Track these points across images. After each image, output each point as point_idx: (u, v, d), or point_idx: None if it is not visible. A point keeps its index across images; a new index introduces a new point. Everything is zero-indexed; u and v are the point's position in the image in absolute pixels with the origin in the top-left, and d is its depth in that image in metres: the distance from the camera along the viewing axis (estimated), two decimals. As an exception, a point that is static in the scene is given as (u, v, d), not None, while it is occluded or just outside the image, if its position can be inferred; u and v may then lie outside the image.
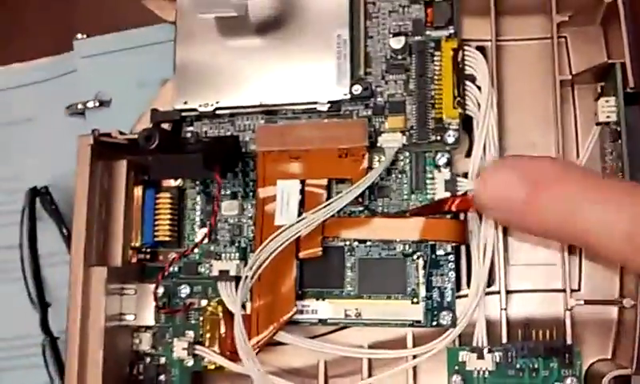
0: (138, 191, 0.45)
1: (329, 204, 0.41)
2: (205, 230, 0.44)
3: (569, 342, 0.39)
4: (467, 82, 0.42)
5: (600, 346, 0.40)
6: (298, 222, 0.41)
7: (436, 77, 0.42)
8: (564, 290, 0.40)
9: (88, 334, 0.42)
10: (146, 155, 0.43)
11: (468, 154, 0.43)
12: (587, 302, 0.39)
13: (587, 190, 0.31)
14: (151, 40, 0.52)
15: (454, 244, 0.41)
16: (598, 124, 0.39)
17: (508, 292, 0.41)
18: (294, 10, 0.44)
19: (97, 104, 0.52)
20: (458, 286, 0.41)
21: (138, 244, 0.45)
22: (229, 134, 0.46)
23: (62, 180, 0.55)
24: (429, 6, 0.43)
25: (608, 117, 0.37)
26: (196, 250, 0.45)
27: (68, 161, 0.53)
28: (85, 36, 0.54)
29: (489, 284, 0.41)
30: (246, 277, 0.40)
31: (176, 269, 0.45)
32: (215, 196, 0.44)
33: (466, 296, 0.41)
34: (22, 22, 0.59)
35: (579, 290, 0.41)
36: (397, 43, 0.43)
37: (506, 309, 0.40)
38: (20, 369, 0.55)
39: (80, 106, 0.53)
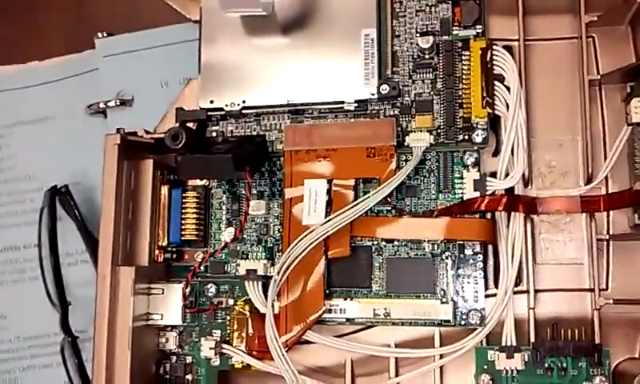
0: (164, 190, 0.45)
1: (357, 204, 0.41)
2: (232, 230, 0.45)
3: (597, 341, 0.39)
4: (496, 82, 0.42)
5: (627, 345, 0.41)
6: (326, 222, 0.41)
7: (464, 76, 0.42)
8: (592, 290, 0.40)
9: (115, 334, 0.42)
10: (173, 154, 0.43)
11: (495, 154, 0.43)
12: (616, 302, 0.39)
13: None
14: (174, 39, 0.52)
15: (482, 243, 0.41)
16: (629, 124, 0.39)
17: (536, 291, 0.41)
18: (321, 9, 0.44)
19: (118, 103, 0.52)
20: (485, 285, 0.41)
21: (164, 243, 0.45)
22: (254, 133, 0.46)
23: (82, 179, 0.55)
24: (456, 5, 0.43)
25: (641, 117, 0.37)
26: (223, 250, 0.45)
27: (88, 160, 0.53)
28: (105, 34, 0.53)
29: (517, 283, 0.41)
30: (275, 280, 0.40)
31: (202, 268, 0.45)
32: (245, 196, 0.44)
33: (494, 295, 0.41)
34: (41, 21, 0.59)
35: (607, 289, 0.41)
36: (425, 42, 0.43)
37: (534, 308, 0.41)
38: (38, 368, 0.55)
39: (102, 106, 0.53)
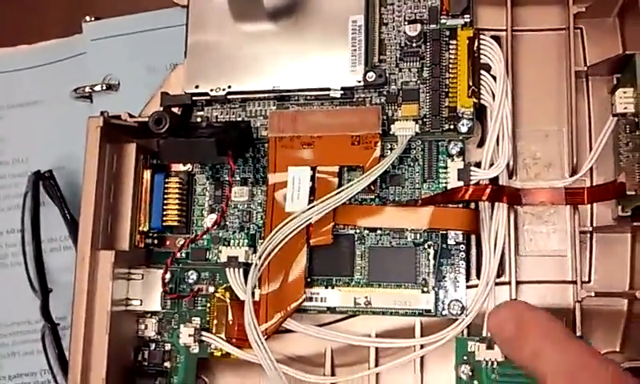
0: (147, 175, 0.45)
1: (340, 191, 0.41)
2: (214, 216, 0.44)
3: (579, 333, 0.39)
4: (482, 72, 0.41)
5: (609, 338, 0.40)
6: (308, 209, 0.41)
7: (451, 65, 0.42)
8: (574, 282, 0.40)
9: (94, 319, 0.42)
10: (156, 138, 0.43)
11: (481, 144, 0.42)
12: (598, 294, 0.39)
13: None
14: (162, 24, 0.51)
15: (465, 233, 0.41)
16: (614, 115, 0.38)
17: (518, 283, 0.41)
18: (308, -5, 0.44)
19: (104, 88, 0.52)
20: (467, 275, 0.41)
21: (145, 229, 0.45)
22: (240, 119, 0.45)
23: (67, 163, 0.54)
24: (444, -6, 0.43)
25: (625, 108, 0.37)
26: (204, 236, 0.44)
27: (73, 144, 0.53)
28: (92, 18, 0.53)
29: (499, 274, 0.41)
30: (256, 265, 0.40)
31: (183, 254, 0.44)
32: (227, 181, 0.43)
33: (475, 286, 0.41)
34: (32, 4, 0.58)
35: (589, 281, 0.41)
36: (412, 31, 0.42)
37: (516, 299, 0.40)
38: (19, 355, 0.55)
39: (87, 90, 0.52)
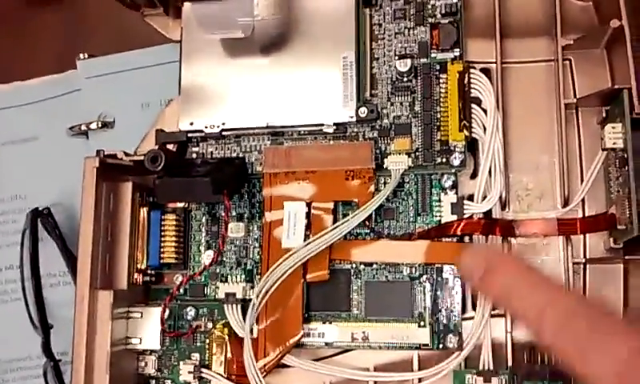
0: (143, 213, 0.45)
1: (336, 227, 0.41)
2: (211, 253, 0.45)
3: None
4: (473, 105, 0.42)
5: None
6: (305, 245, 0.41)
7: (442, 99, 0.42)
8: (570, 313, 0.40)
9: (94, 358, 0.42)
10: (153, 175, 0.43)
11: (473, 176, 0.43)
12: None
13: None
14: (155, 61, 0.52)
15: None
16: (604, 149, 0.39)
17: (514, 314, 0.41)
18: (300, 32, 0.45)
19: (100, 125, 0.52)
20: (463, 308, 0.41)
21: (143, 266, 0.45)
22: (235, 154, 0.46)
23: (65, 199, 0.55)
24: (434, 28, 0.43)
25: (614, 143, 0.37)
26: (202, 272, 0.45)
27: (71, 180, 0.53)
28: (86, 55, 0.53)
29: (494, 306, 0.41)
30: (254, 304, 0.40)
31: (181, 291, 0.45)
32: (223, 219, 0.44)
33: (471, 318, 0.41)
34: (26, 40, 0.59)
35: (585, 312, 0.41)
36: (403, 66, 0.43)
37: (511, 332, 0.41)
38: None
39: (83, 127, 0.53)
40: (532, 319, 0.30)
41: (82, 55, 0.53)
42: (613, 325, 0.28)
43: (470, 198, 0.42)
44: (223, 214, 0.44)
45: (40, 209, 0.52)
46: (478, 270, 0.34)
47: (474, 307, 0.42)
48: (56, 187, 0.55)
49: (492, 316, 0.41)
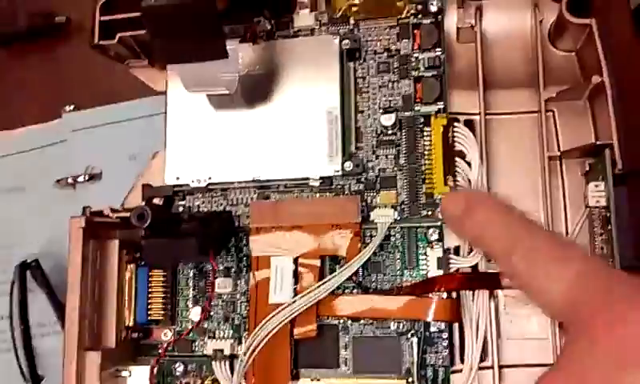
0: (130, 270, 0.45)
1: (323, 283, 0.41)
2: (199, 309, 0.44)
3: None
4: (457, 159, 0.42)
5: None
6: (292, 302, 0.41)
7: (426, 152, 0.43)
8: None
9: (84, 420, 0.42)
10: (140, 230, 0.43)
11: (460, 228, 0.43)
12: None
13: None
14: (142, 113, 0.52)
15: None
16: (587, 207, 0.39)
17: (501, 367, 0.41)
18: (285, 86, 0.45)
19: (87, 178, 0.52)
20: (451, 361, 0.41)
21: (131, 323, 0.45)
22: (222, 207, 0.46)
23: (54, 248, 0.55)
24: (418, 81, 0.43)
25: (597, 201, 0.38)
26: (190, 326, 0.45)
27: (58, 230, 0.53)
28: (72, 107, 0.53)
29: (482, 359, 0.41)
30: (242, 361, 0.40)
31: (170, 346, 0.45)
32: (210, 279, 0.44)
33: (460, 371, 0.41)
34: (11, 90, 0.59)
35: (572, 364, 0.41)
36: (387, 120, 0.43)
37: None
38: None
39: (70, 180, 0.53)
40: (500, 256, 0.34)
41: (67, 107, 0.53)
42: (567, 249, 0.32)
43: (457, 250, 0.42)
44: (210, 273, 0.44)
45: (28, 261, 0.52)
46: (458, 209, 0.36)
47: (461, 359, 0.42)
48: (44, 237, 0.55)
49: (480, 368, 0.41)
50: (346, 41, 0.44)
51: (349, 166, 0.43)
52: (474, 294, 0.41)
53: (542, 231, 0.34)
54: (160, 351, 0.44)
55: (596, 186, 0.38)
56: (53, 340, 0.55)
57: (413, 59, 0.44)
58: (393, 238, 0.43)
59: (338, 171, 0.43)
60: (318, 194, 0.44)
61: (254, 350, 0.41)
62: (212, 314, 0.45)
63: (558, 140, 0.42)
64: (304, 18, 0.46)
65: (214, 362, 0.43)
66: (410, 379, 0.41)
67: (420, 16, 0.44)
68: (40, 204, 0.55)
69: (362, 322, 0.42)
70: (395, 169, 0.43)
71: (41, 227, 0.55)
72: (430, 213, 0.42)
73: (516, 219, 0.34)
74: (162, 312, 0.45)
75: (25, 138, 0.56)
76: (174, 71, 0.43)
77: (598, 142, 0.39)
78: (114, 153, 0.53)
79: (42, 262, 0.54)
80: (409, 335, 0.41)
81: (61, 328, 0.53)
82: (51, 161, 0.55)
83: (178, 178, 0.46)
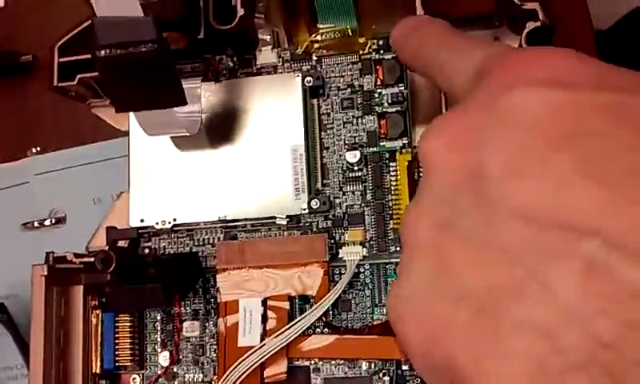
0: (96, 315, 0.44)
1: (292, 325, 0.41)
2: (167, 354, 0.44)
3: None
4: (424, 194, 0.42)
5: None
6: (262, 345, 0.40)
7: (393, 188, 0.42)
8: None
9: None
10: (105, 274, 0.42)
11: (428, 262, 0.43)
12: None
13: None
14: (107, 155, 0.51)
15: (418, 359, 0.41)
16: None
17: (475, 402, 0.41)
18: (249, 124, 0.44)
19: (53, 221, 0.51)
20: (425, 398, 0.41)
21: (98, 371, 0.44)
22: (188, 248, 0.45)
23: (20, 290, 0.53)
24: (382, 117, 0.43)
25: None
26: (159, 371, 0.44)
27: (23, 273, 0.52)
28: (38, 149, 0.53)
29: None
30: (212, 408, 0.40)
31: (139, 392, 0.44)
32: (175, 324, 0.43)
33: (433, 408, 0.41)
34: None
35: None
36: (352, 157, 0.43)
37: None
38: None
39: (36, 224, 0.52)
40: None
41: (33, 149, 0.52)
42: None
43: (426, 285, 0.42)
44: (177, 318, 0.43)
45: (-7, 304, 0.51)
46: (406, 31, 0.32)
47: (434, 397, 0.41)
48: (8, 279, 0.53)
49: (453, 405, 0.41)
50: (309, 78, 0.44)
51: (315, 203, 0.43)
52: (444, 331, 0.41)
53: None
54: (129, 399, 0.44)
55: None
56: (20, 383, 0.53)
57: (376, 95, 0.44)
58: (362, 275, 0.43)
59: (304, 209, 0.43)
60: (285, 232, 0.44)
61: (224, 396, 0.40)
62: (181, 357, 0.44)
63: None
64: (266, 55, 0.45)
65: (184, 408, 0.43)
66: (383, 420, 0.41)
67: (382, 52, 0.44)
68: (3, 246, 0.54)
69: (333, 362, 0.42)
70: (362, 205, 0.43)
71: (5, 270, 0.54)
72: (398, 248, 0.42)
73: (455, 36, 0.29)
74: (130, 357, 0.44)
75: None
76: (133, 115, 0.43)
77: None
78: (79, 196, 0.52)
79: (7, 305, 0.52)
80: (380, 374, 0.41)
81: (27, 371, 0.52)
82: (14, 202, 0.54)
83: (142, 221, 0.45)
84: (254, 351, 0.40)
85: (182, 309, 0.43)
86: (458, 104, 0.25)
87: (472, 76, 0.25)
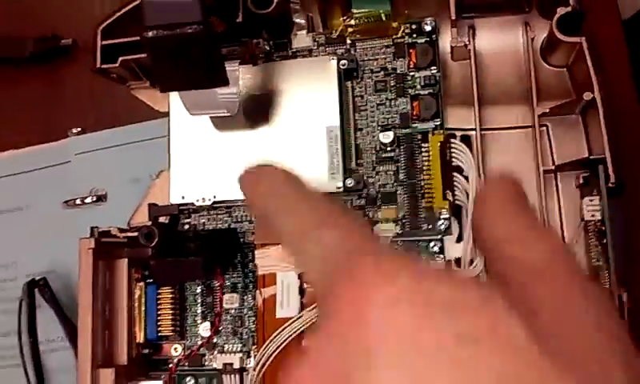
0: (140, 288, 0.46)
1: (328, 297, 0.42)
2: (208, 325, 0.46)
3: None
4: (455, 173, 0.43)
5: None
6: (300, 316, 0.42)
7: (425, 168, 0.44)
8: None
9: (97, 437, 0.43)
10: (147, 248, 0.44)
11: (459, 239, 0.44)
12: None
13: None
14: (145, 136, 0.53)
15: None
16: (582, 220, 0.40)
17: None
18: (286, 105, 0.46)
19: (94, 199, 0.53)
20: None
21: (141, 340, 0.46)
22: (226, 225, 0.47)
23: (59, 267, 0.56)
24: (414, 99, 0.45)
25: (593, 215, 0.39)
26: (199, 342, 0.46)
27: (65, 248, 0.54)
28: (79, 130, 0.54)
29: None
30: (252, 377, 0.42)
31: (181, 361, 0.46)
32: (217, 294, 0.45)
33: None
34: (13, 110, 0.60)
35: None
36: (385, 138, 0.44)
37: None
38: None
39: (78, 202, 0.54)
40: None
41: (74, 130, 0.54)
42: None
43: (458, 261, 0.43)
44: (217, 290, 0.45)
45: (36, 279, 0.53)
46: (250, 180, 0.30)
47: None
48: (49, 256, 0.56)
49: None
50: (344, 61, 0.45)
51: (350, 182, 0.44)
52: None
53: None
54: (171, 366, 0.46)
55: (590, 200, 0.39)
56: (60, 356, 0.56)
57: (409, 78, 0.45)
58: (394, 252, 0.44)
59: (339, 188, 0.44)
60: (320, 210, 0.45)
61: (263, 365, 0.42)
62: (220, 328, 0.46)
63: (552, 154, 0.44)
64: (301, 38, 0.47)
65: (224, 376, 0.44)
66: None
67: (415, 36, 0.45)
68: (44, 224, 0.56)
69: (367, 333, 0.43)
70: (395, 184, 0.45)
71: (46, 247, 0.56)
72: (430, 226, 0.43)
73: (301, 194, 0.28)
74: (172, 328, 0.46)
75: (29, 158, 0.57)
76: (176, 96, 0.45)
77: (591, 157, 0.40)
78: (118, 176, 0.54)
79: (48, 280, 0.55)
80: (412, 345, 0.43)
81: (69, 344, 0.54)
82: (55, 181, 0.56)
83: (183, 197, 0.47)
84: (292, 322, 0.42)
85: (223, 282, 0.45)
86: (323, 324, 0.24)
87: (321, 272, 0.25)
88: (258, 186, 0.30)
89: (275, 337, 0.42)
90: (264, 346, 0.42)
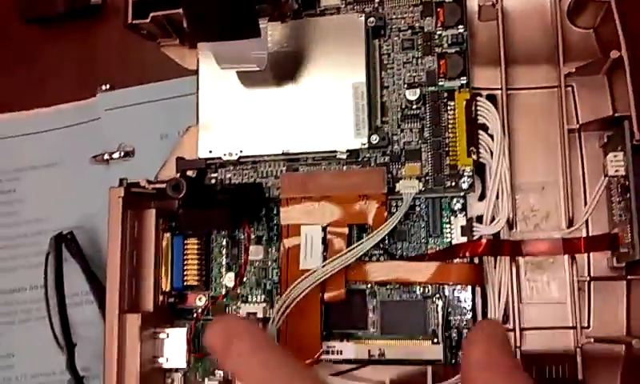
0: (166, 238, 0.47)
1: (351, 249, 0.43)
2: (233, 275, 0.47)
3: (580, 377, 0.42)
4: (480, 131, 0.44)
5: (609, 381, 0.43)
6: (322, 267, 0.43)
7: (450, 126, 0.44)
8: (574, 328, 0.43)
9: (124, 379, 0.44)
10: (173, 200, 0.45)
11: (482, 197, 0.45)
12: (597, 340, 0.42)
13: None
14: (173, 93, 0.54)
15: (470, 286, 0.43)
16: (606, 176, 0.41)
17: (522, 329, 0.43)
18: (313, 62, 0.47)
19: (122, 154, 0.54)
20: (475, 323, 0.43)
21: (167, 289, 0.47)
22: (252, 180, 0.48)
23: (86, 222, 0.57)
24: (441, 57, 0.45)
25: (617, 171, 0.39)
26: (223, 291, 0.47)
27: (92, 204, 0.55)
28: (108, 86, 0.55)
29: (504, 321, 0.43)
30: (273, 319, 0.42)
31: (205, 310, 0.47)
32: (244, 244, 0.46)
33: (482, 333, 0.43)
34: (43, 69, 0.61)
35: (588, 327, 0.43)
36: (412, 95, 0.45)
37: (520, 346, 0.43)
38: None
39: (106, 157, 0.55)
40: None
41: (103, 86, 0.55)
42: None
43: (479, 219, 0.44)
44: (244, 239, 0.46)
45: (64, 233, 0.54)
46: (218, 341, 0.30)
47: (484, 323, 0.44)
48: (77, 211, 0.57)
49: (501, 331, 0.43)
50: (372, 18, 0.46)
51: (375, 139, 0.45)
52: (496, 260, 0.43)
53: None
54: (195, 315, 0.47)
55: (615, 156, 0.39)
56: (85, 309, 0.57)
57: (436, 36, 0.46)
58: (418, 208, 0.45)
59: (364, 144, 0.45)
60: (345, 167, 0.46)
61: (286, 309, 0.43)
62: (245, 279, 0.47)
63: (577, 113, 0.44)
64: (330, -3, 0.48)
65: (247, 326, 0.45)
66: (435, 340, 0.43)
67: (443, -5, 0.46)
68: (73, 179, 0.57)
69: (389, 286, 0.44)
70: (420, 142, 0.45)
71: (74, 202, 0.57)
72: (453, 184, 0.44)
73: (274, 356, 0.29)
74: (197, 278, 0.47)
75: (59, 116, 0.58)
76: (206, 49, 0.45)
77: (616, 114, 0.41)
78: (146, 132, 0.55)
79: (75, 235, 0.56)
80: (434, 298, 0.44)
81: (94, 298, 0.55)
82: (84, 138, 0.57)
83: (210, 152, 0.48)
84: (315, 271, 0.43)
85: (249, 232, 0.46)
86: None
87: None
88: (232, 347, 0.30)
89: (298, 284, 0.43)
90: (287, 291, 0.43)
